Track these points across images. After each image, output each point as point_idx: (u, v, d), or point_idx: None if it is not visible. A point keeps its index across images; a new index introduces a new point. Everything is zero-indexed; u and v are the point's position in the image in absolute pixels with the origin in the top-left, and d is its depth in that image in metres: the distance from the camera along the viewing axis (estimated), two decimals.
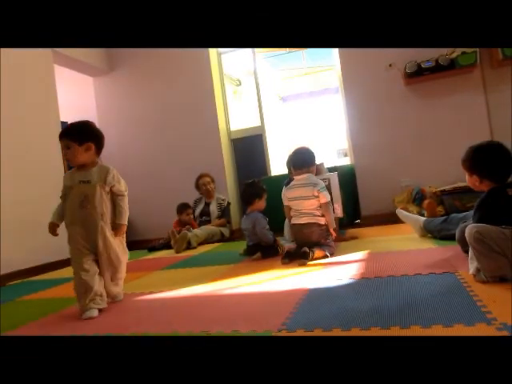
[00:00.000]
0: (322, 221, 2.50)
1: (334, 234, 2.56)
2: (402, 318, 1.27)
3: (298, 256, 2.36)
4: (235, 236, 4.25)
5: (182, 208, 4.24)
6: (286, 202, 2.64)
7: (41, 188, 3.68)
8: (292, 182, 2.60)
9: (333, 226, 2.53)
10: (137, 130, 5.00)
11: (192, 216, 4.26)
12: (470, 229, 1.48)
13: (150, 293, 2.10)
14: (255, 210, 2.78)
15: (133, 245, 4.62)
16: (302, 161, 2.62)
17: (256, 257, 2.67)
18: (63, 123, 4.59)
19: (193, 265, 2.89)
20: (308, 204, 2.49)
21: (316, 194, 2.47)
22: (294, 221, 2.55)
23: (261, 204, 2.80)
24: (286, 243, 2.99)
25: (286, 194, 2.60)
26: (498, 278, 1.46)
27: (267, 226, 2.72)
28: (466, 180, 1.72)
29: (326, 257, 2.39)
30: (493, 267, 1.45)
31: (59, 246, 3.38)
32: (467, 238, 1.49)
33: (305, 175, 2.56)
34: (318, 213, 2.50)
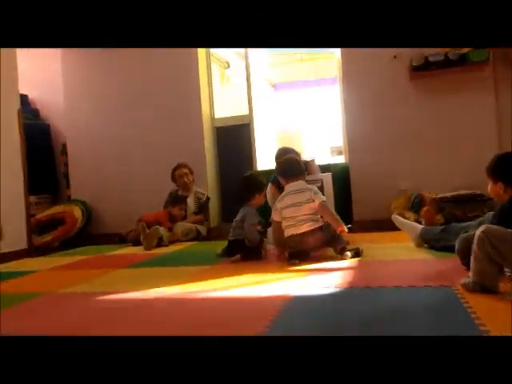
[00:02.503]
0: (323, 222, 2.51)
1: (345, 230, 2.44)
2: (391, 331, 1.28)
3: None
4: (213, 235, 4.23)
5: (176, 200, 4.11)
6: (277, 217, 2.60)
7: None
8: (284, 192, 2.60)
9: (339, 224, 2.44)
10: (109, 109, 4.88)
11: (184, 212, 4.12)
12: (479, 229, 1.57)
13: (114, 292, 2.07)
14: (255, 204, 2.78)
15: (101, 238, 4.56)
16: (296, 170, 2.65)
17: (235, 258, 2.65)
18: (23, 96, 4.49)
19: (163, 264, 2.87)
20: (306, 209, 2.48)
21: (313, 197, 2.49)
22: (291, 231, 2.50)
23: (260, 199, 2.80)
24: (270, 246, 2.99)
25: (279, 205, 2.58)
26: (480, 286, 1.55)
27: (257, 224, 2.72)
28: (489, 189, 1.79)
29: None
30: (478, 270, 1.55)
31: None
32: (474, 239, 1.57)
33: (298, 181, 2.59)
34: (318, 216, 2.50)
